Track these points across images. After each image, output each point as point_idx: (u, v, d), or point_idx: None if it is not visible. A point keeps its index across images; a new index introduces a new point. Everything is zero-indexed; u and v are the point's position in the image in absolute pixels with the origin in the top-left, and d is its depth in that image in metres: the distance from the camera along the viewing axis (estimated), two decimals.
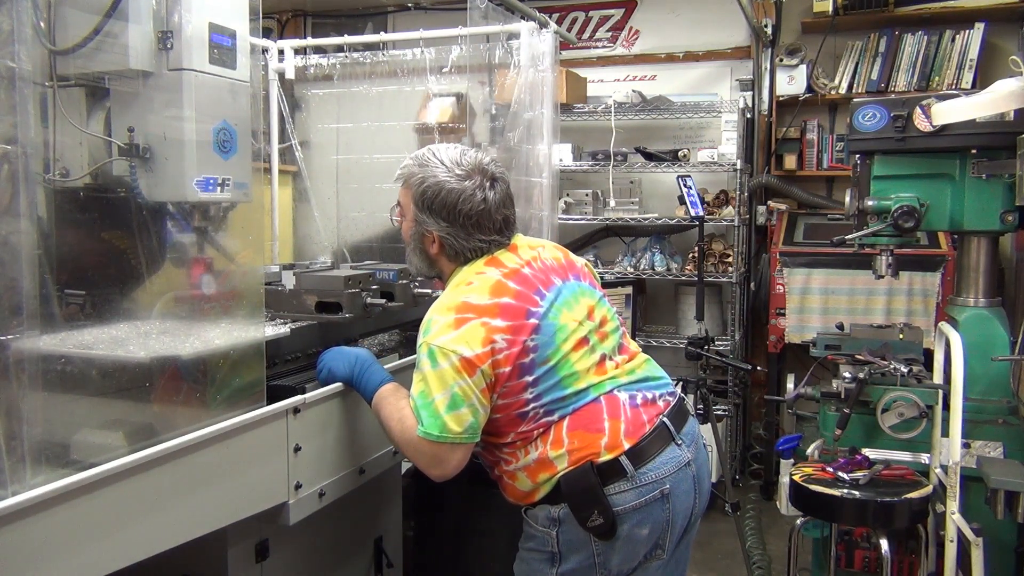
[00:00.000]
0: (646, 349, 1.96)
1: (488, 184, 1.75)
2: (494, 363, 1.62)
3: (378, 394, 1.77)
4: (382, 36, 3.55)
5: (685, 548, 1.82)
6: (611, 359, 1.76)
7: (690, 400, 3.10)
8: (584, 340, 1.72)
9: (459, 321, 1.63)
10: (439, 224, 1.74)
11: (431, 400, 1.61)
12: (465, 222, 1.73)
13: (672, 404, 1.77)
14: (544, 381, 1.66)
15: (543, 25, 3.26)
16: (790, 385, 3.14)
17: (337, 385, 1.82)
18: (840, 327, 3.09)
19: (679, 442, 1.72)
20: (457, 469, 1.67)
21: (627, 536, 1.64)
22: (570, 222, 4.61)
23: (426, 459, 1.66)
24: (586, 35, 5.10)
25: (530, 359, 1.64)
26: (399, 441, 1.71)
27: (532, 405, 1.66)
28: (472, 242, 1.75)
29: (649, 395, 1.75)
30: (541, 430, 1.67)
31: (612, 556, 1.66)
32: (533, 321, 1.66)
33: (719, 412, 4.20)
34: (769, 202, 4.56)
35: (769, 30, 4.58)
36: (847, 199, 2.64)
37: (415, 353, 1.69)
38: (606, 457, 1.64)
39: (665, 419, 1.72)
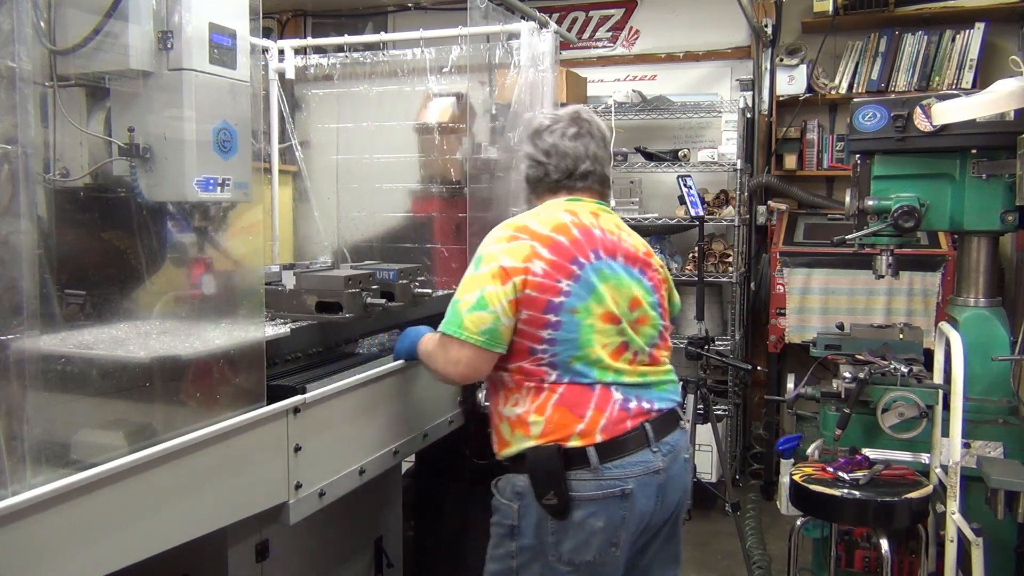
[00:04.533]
0: None
1: (573, 132, 1.88)
2: (525, 281, 1.69)
3: (425, 335, 1.92)
4: (382, 36, 3.54)
5: (661, 551, 1.84)
6: (631, 351, 1.78)
7: (690, 400, 3.10)
8: (615, 318, 1.75)
9: (512, 237, 1.76)
10: (533, 156, 1.91)
11: (458, 300, 1.73)
12: (558, 160, 1.87)
13: (662, 413, 1.79)
14: (564, 330, 1.70)
15: (543, 25, 3.26)
16: (790, 385, 3.14)
17: (337, 385, 1.82)
18: (840, 327, 3.09)
19: (655, 450, 1.74)
20: (466, 374, 1.77)
21: (580, 523, 1.67)
22: None
23: (440, 359, 1.78)
24: (586, 35, 5.09)
25: (559, 301, 1.70)
26: (424, 354, 1.87)
27: (544, 346, 1.70)
28: (553, 178, 1.88)
29: (646, 405, 1.76)
30: (536, 383, 1.71)
31: (564, 540, 1.68)
32: (575, 268, 1.72)
33: (719, 412, 4.20)
34: (769, 202, 4.56)
35: (769, 30, 4.58)
36: (847, 199, 2.64)
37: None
38: (575, 444, 1.68)
39: (647, 424, 1.74)
